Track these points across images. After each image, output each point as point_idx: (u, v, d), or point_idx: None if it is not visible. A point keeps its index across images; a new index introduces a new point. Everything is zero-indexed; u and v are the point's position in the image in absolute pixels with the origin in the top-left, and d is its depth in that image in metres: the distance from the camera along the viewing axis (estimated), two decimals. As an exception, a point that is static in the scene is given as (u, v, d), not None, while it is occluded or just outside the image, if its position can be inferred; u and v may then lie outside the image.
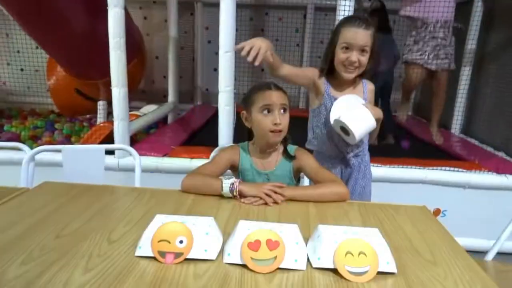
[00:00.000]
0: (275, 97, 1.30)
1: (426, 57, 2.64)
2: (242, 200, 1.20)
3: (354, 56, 1.41)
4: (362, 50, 1.41)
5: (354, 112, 1.43)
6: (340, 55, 1.43)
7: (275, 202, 1.19)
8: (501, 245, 1.49)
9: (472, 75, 3.45)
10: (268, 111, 1.30)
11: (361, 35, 1.40)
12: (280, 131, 1.31)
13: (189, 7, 4.66)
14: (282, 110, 1.31)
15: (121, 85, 2.39)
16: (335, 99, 1.51)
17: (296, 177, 1.44)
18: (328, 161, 1.62)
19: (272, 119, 1.29)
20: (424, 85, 3.36)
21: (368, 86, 1.58)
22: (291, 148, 1.42)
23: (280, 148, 1.41)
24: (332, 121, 1.48)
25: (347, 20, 1.48)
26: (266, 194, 1.19)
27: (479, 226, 2.43)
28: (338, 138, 1.55)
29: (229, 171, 1.44)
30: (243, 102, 1.39)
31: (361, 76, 1.53)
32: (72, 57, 3.25)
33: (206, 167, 1.36)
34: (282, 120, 1.30)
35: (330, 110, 1.51)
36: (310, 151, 1.51)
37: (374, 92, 1.61)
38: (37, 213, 1.07)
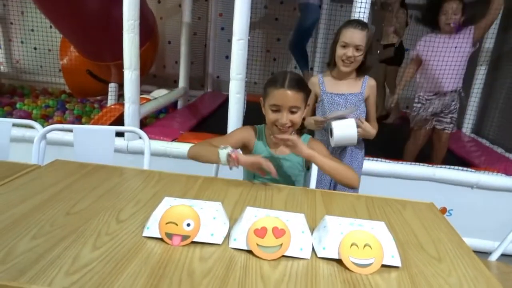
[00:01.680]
0: (286, 99, 1.27)
1: (430, 121, 2.67)
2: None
3: (350, 51, 1.64)
4: (357, 49, 1.64)
5: (345, 126, 1.63)
6: (339, 51, 1.67)
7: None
8: (506, 247, 1.48)
9: (487, 74, 3.40)
10: (277, 110, 1.30)
11: (357, 35, 1.63)
12: (288, 128, 1.31)
13: (204, -8, 4.63)
14: (291, 111, 1.30)
15: (134, 68, 2.40)
16: (331, 94, 1.75)
17: (307, 165, 1.46)
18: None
19: (278, 117, 1.30)
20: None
21: (368, 82, 1.76)
22: (305, 138, 1.42)
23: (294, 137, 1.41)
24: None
25: (348, 22, 1.71)
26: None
27: (484, 226, 2.42)
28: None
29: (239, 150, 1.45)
30: (263, 88, 1.39)
31: (362, 73, 1.75)
32: (85, 38, 3.25)
33: (216, 139, 1.37)
34: (291, 119, 1.30)
35: (326, 104, 1.75)
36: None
37: (375, 88, 1.78)
38: (48, 190, 1.09)
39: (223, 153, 1.20)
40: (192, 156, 1.32)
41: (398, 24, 3.73)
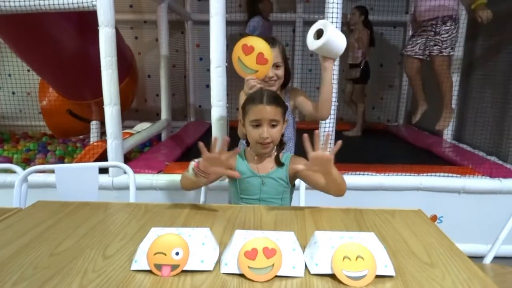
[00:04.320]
0: (265, 113, 1.33)
1: (417, 48, 3.07)
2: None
3: (271, 71, 1.60)
4: (277, 66, 1.64)
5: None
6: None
7: None
8: (499, 249, 1.48)
9: (460, 82, 3.51)
10: (258, 125, 1.35)
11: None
12: (268, 143, 1.36)
13: (180, 25, 4.71)
14: (271, 125, 1.35)
15: (114, 104, 2.39)
16: None
17: (292, 182, 1.46)
18: None
19: (260, 132, 1.34)
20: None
21: (289, 94, 1.74)
22: (287, 156, 1.44)
23: (274, 155, 1.44)
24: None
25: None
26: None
27: (475, 231, 2.43)
28: None
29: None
30: (241, 109, 1.44)
31: (284, 86, 1.72)
32: (63, 78, 3.25)
33: None
34: (271, 133, 1.35)
35: None
36: None
37: (297, 90, 1.78)
38: (30, 232, 1.06)
39: (190, 166, 1.23)
40: (181, 185, 1.34)
41: (361, 45, 3.84)
